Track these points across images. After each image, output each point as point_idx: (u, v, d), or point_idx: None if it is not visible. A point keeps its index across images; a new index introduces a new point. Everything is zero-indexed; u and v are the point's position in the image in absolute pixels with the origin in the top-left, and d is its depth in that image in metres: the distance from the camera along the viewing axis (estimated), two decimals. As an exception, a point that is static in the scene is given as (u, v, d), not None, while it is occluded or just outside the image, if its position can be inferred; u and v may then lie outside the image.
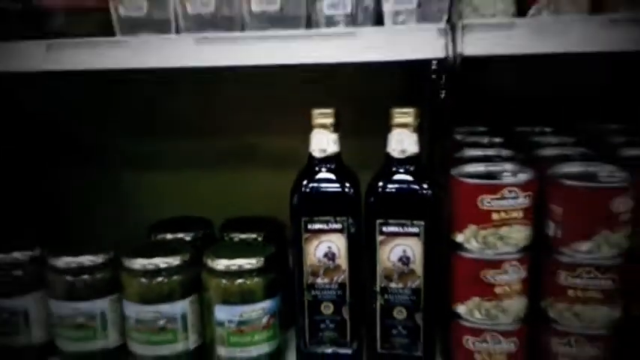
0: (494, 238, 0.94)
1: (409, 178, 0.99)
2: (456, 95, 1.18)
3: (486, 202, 0.93)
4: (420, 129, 1.00)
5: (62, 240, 1.25)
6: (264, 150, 1.49)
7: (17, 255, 1.14)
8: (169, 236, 1.24)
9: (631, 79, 1.31)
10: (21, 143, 1.55)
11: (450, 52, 0.93)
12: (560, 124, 1.29)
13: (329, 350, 1.07)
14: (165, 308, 1.09)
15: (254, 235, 1.20)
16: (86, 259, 1.12)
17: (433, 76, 1.17)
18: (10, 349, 1.15)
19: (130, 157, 1.56)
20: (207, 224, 1.29)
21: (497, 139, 1.20)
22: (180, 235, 1.24)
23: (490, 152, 1.12)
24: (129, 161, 1.56)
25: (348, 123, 1.07)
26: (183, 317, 1.11)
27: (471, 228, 0.95)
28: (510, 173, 0.98)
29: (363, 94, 1.37)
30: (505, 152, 1.10)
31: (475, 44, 0.93)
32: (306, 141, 1.04)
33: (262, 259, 1.07)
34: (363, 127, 1.24)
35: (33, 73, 1.04)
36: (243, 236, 1.20)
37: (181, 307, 1.10)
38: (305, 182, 1.02)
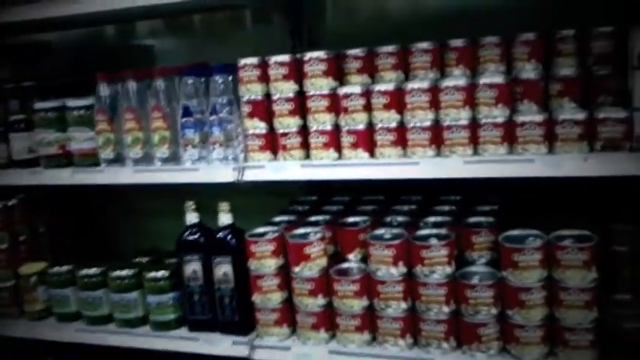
0: (259, 265, 2.02)
1: (228, 235, 2.09)
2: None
3: (252, 247, 2.01)
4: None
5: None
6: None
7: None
8: (139, 259, 2.41)
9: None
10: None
11: (238, 178, 2.02)
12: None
13: (199, 317, 2.18)
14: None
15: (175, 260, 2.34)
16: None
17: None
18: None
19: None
20: (158, 253, 2.46)
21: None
22: (143, 259, 2.41)
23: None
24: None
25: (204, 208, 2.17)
26: (135, 300, 2.26)
27: (250, 259, 2.03)
28: (271, 233, 2.06)
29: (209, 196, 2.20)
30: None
31: (249, 176, 2.02)
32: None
33: (169, 272, 2.21)
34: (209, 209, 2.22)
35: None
36: (170, 260, 2.35)
37: (134, 295, 2.26)
38: (182, 237, 2.15)
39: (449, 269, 1.88)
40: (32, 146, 2.35)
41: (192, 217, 2.14)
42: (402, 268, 1.90)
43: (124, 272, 2.26)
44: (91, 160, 2.25)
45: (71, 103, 2.24)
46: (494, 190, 2.16)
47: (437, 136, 1.85)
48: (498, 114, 1.80)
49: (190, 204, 2.14)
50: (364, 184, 2.00)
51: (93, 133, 2.22)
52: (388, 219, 2.11)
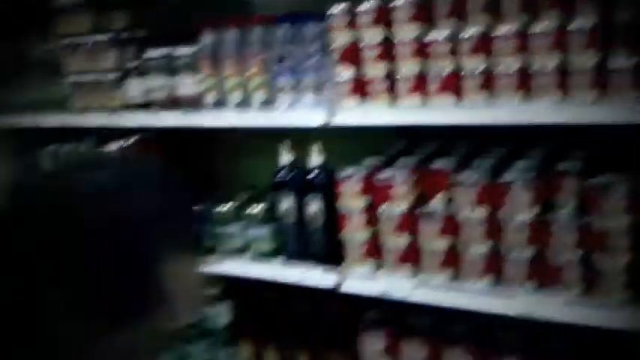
0: (347, 203, 2.16)
1: (319, 175, 2.23)
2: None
3: (341, 187, 2.14)
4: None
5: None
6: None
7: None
8: (239, 195, 2.62)
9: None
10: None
11: (328, 122, 2.14)
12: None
13: (293, 250, 2.37)
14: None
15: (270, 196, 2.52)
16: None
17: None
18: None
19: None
20: (256, 189, 2.65)
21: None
22: (243, 195, 2.62)
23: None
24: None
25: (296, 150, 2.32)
26: (236, 232, 2.48)
27: (339, 198, 2.17)
28: (359, 174, 2.17)
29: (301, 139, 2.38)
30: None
31: (339, 120, 2.13)
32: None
33: (265, 207, 2.40)
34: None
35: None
36: (266, 197, 2.54)
37: (235, 227, 2.48)
38: (277, 176, 2.32)
39: (532, 212, 1.91)
40: (145, 91, 2.59)
41: (286, 158, 2.30)
42: (484, 210, 1.97)
43: (226, 207, 2.48)
44: (195, 104, 2.45)
45: (178, 51, 2.43)
46: (582, 137, 2.14)
47: (524, 82, 1.86)
48: (588, 59, 1.77)
49: (285, 145, 2.30)
50: (451, 130, 2.06)
51: (198, 79, 2.41)
52: (474, 163, 2.16)
